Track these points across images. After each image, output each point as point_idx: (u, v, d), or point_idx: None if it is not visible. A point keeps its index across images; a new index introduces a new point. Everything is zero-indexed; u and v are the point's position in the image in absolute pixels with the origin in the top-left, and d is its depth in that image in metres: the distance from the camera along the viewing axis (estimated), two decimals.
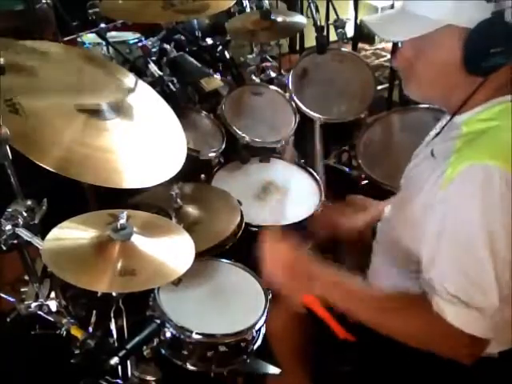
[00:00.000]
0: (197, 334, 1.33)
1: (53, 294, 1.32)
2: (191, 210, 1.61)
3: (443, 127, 1.07)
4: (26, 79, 1.09)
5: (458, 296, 0.88)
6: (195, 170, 1.88)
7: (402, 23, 0.98)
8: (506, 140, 0.89)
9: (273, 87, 2.30)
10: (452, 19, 0.91)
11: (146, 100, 1.53)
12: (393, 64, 1.08)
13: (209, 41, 2.48)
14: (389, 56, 3.73)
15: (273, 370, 1.52)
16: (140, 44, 2.14)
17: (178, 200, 1.58)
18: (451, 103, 1.00)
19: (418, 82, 1.02)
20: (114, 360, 1.19)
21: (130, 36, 2.45)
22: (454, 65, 0.93)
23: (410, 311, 0.96)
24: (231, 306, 1.43)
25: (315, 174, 1.99)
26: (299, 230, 1.78)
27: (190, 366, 1.38)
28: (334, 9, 2.43)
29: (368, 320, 0.99)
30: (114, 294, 1.34)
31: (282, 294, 1.09)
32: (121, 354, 1.21)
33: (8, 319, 1.42)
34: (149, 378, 1.40)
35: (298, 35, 3.24)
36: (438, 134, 1.09)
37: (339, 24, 2.31)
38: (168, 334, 1.36)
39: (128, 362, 1.37)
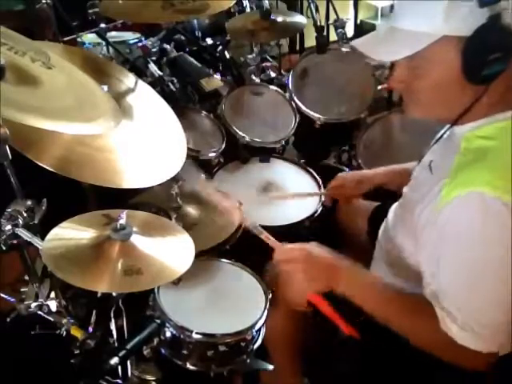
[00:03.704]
0: (197, 333, 1.32)
1: (53, 294, 1.31)
2: (191, 210, 1.61)
3: (442, 134, 1.04)
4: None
5: (462, 320, 0.87)
6: None
7: (393, 42, 0.92)
8: (503, 165, 0.85)
9: (273, 87, 2.30)
10: (446, 30, 0.85)
11: (146, 100, 1.53)
12: (389, 85, 1.03)
13: (209, 41, 2.49)
14: None
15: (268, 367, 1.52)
16: (140, 44, 2.14)
17: (178, 199, 1.58)
18: (453, 116, 0.95)
19: (420, 101, 0.96)
20: (114, 360, 1.19)
21: (130, 36, 2.46)
22: (454, 76, 0.88)
23: (422, 315, 0.95)
24: (231, 306, 1.42)
25: (315, 174, 1.99)
26: (299, 229, 1.78)
27: (189, 366, 1.38)
28: (334, 9, 2.43)
29: (380, 313, 0.98)
30: (113, 293, 1.34)
31: (287, 293, 1.08)
32: (121, 354, 1.21)
33: (8, 319, 1.41)
34: (149, 377, 1.41)
35: (298, 35, 3.24)
36: (437, 141, 1.07)
37: (339, 24, 2.31)
38: (168, 334, 1.36)
39: (128, 362, 1.38)
